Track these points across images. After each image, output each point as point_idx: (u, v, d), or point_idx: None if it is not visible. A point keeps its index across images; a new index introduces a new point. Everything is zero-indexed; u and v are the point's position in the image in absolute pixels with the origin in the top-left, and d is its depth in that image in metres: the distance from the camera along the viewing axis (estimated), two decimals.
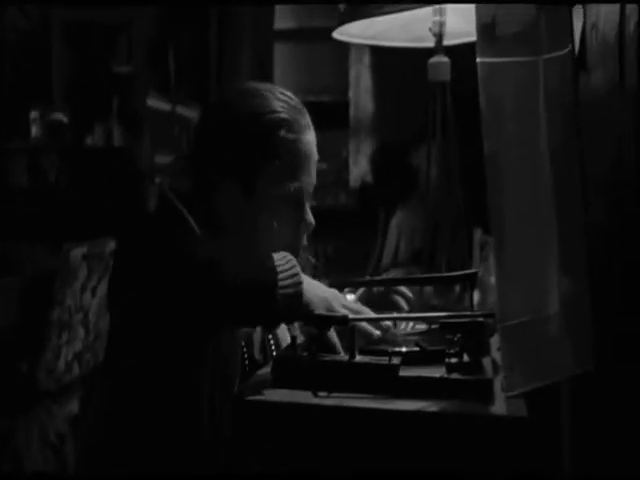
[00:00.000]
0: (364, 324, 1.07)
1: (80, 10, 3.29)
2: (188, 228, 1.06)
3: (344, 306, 1.04)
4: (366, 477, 0.88)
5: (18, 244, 2.59)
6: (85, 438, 1.30)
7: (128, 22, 3.38)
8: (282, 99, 1.12)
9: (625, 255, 1.05)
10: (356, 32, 1.74)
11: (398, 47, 1.83)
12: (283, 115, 1.11)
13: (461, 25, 1.70)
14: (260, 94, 1.13)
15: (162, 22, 3.49)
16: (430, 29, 1.66)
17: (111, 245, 2.07)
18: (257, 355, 1.18)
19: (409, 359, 0.94)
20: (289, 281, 0.96)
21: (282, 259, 0.99)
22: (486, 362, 0.96)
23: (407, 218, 3.13)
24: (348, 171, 3.69)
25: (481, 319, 0.96)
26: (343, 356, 0.96)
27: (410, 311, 1.24)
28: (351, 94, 3.67)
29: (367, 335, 1.06)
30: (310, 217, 1.16)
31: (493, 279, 0.99)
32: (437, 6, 1.62)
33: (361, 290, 1.27)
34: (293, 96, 1.16)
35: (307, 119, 1.15)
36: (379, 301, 1.26)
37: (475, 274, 1.17)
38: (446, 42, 1.68)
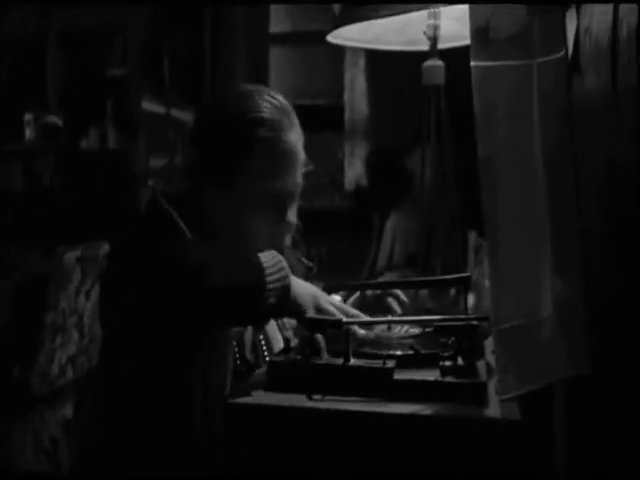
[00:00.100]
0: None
1: (75, 13, 3.29)
2: (178, 232, 1.07)
3: (331, 304, 1.04)
4: None
5: (12, 247, 2.58)
6: (80, 441, 1.30)
7: (122, 25, 3.38)
8: (266, 99, 1.15)
9: (619, 258, 1.05)
10: (351, 36, 1.74)
11: (393, 51, 1.84)
12: (265, 115, 1.13)
13: (456, 29, 1.70)
14: (245, 95, 1.16)
15: (156, 25, 3.49)
16: (424, 33, 1.67)
17: (105, 248, 2.07)
18: (248, 355, 1.18)
19: (403, 362, 0.95)
20: (276, 276, 0.97)
21: (268, 256, 1.00)
22: (480, 365, 0.96)
23: (402, 221, 3.13)
24: (343, 174, 3.70)
25: (475, 322, 0.96)
26: (337, 359, 0.96)
27: (404, 314, 1.24)
28: (346, 97, 3.68)
29: (353, 334, 1.06)
30: (292, 217, 1.17)
31: (488, 282, 0.99)
32: (431, 10, 1.62)
33: (356, 293, 1.27)
34: (281, 98, 1.18)
35: (292, 120, 1.17)
36: (374, 304, 1.26)
37: (469, 277, 1.17)
38: (440, 46, 1.69)
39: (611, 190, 1.09)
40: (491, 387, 0.91)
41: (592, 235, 1.09)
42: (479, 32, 0.89)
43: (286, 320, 1.25)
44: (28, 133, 3.29)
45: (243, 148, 1.12)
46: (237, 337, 1.15)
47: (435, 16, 1.65)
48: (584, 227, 0.93)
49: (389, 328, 1.12)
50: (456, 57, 1.62)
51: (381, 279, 2.44)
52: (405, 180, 3.13)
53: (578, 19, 1.21)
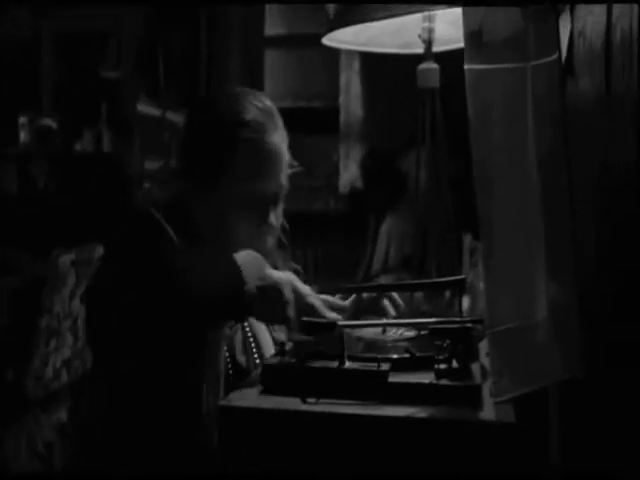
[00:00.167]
0: (297, 286, 1.06)
1: (69, 15, 3.29)
2: (165, 237, 1.07)
3: (277, 274, 1.05)
4: None
5: (6, 250, 2.57)
6: (75, 443, 1.30)
7: (117, 27, 3.38)
8: (250, 102, 1.16)
9: (613, 261, 1.06)
10: (346, 38, 1.74)
11: (388, 53, 1.84)
12: (248, 116, 1.14)
13: (450, 32, 1.70)
14: (230, 97, 1.19)
15: (151, 27, 3.48)
16: (419, 36, 1.67)
17: (99, 251, 2.07)
18: (239, 357, 1.19)
19: (398, 365, 0.94)
20: (255, 274, 1.00)
21: (245, 255, 1.02)
22: (475, 368, 0.96)
23: (397, 223, 3.14)
24: (338, 176, 3.70)
25: (470, 325, 0.96)
26: (332, 362, 0.96)
27: (399, 317, 1.24)
28: (341, 100, 3.68)
29: (300, 297, 1.06)
30: (274, 220, 1.17)
31: (483, 285, 0.99)
32: (426, 13, 1.62)
33: (353, 296, 1.27)
34: (265, 100, 1.19)
35: (276, 122, 1.18)
36: (370, 307, 1.26)
37: (464, 280, 1.17)
38: (435, 48, 1.69)
39: (605, 193, 1.10)
40: (486, 390, 0.91)
41: (586, 238, 1.10)
42: (473, 35, 0.90)
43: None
44: (22, 136, 3.29)
45: (226, 149, 1.13)
46: (228, 340, 1.15)
47: (430, 19, 1.65)
48: (578, 230, 0.93)
49: (384, 331, 1.12)
50: (451, 60, 1.62)
51: (376, 282, 2.44)
52: (400, 183, 3.13)
53: (572, 22, 1.22)
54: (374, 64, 3.49)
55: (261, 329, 1.24)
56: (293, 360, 0.97)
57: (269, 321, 1.17)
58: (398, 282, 1.81)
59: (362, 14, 1.50)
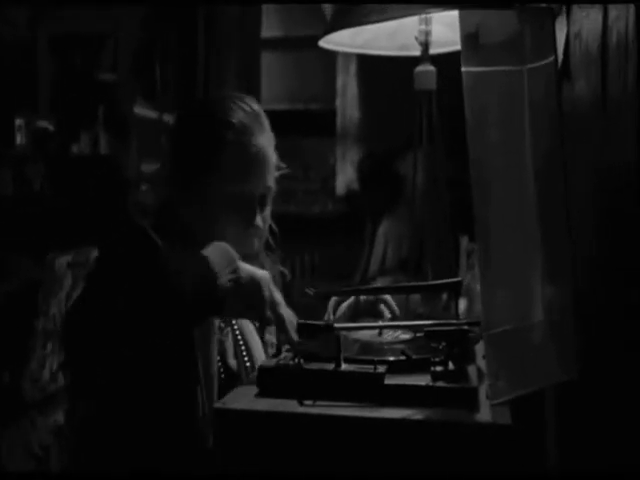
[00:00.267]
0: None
1: (66, 17, 3.28)
2: (149, 248, 1.08)
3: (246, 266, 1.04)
4: None
5: (2, 252, 2.57)
6: (72, 446, 1.30)
7: (114, 30, 3.38)
8: (238, 104, 1.18)
9: (610, 262, 1.06)
10: (342, 41, 1.75)
11: (384, 56, 1.84)
12: (235, 119, 1.16)
13: (447, 35, 1.71)
14: (217, 101, 1.21)
15: (148, 30, 3.48)
16: (416, 38, 1.67)
17: (95, 253, 2.06)
18: (231, 360, 1.19)
19: (395, 367, 0.94)
20: (227, 268, 0.99)
21: (215, 250, 1.01)
22: (471, 370, 0.96)
23: (394, 226, 3.14)
24: (335, 179, 3.70)
25: (466, 327, 0.96)
26: (328, 365, 0.96)
27: (395, 319, 1.24)
28: (338, 102, 3.68)
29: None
30: (260, 222, 1.17)
31: (479, 286, 0.99)
32: (423, 15, 1.63)
33: (351, 299, 1.27)
34: (253, 103, 1.21)
35: (263, 125, 1.20)
36: (366, 309, 1.26)
37: (460, 282, 1.17)
38: (432, 51, 1.69)
39: (601, 195, 1.10)
40: (482, 392, 0.91)
41: (582, 239, 1.10)
42: (469, 38, 0.90)
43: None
44: (19, 138, 3.28)
45: (214, 151, 1.15)
46: (219, 344, 1.16)
47: (427, 22, 1.65)
48: (574, 231, 0.93)
49: (380, 333, 1.12)
50: (448, 62, 1.63)
51: (373, 284, 2.44)
52: (397, 185, 3.13)
53: (568, 25, 1.22)
54: (371, 66, 3.50)
55: (251, 332, 1.24)
56: (289, 362, 0.97)
57: (247, 317, 1.16)
58: (395, 284, 1.82)
59: (359, 16, 1.50)
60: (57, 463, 2.11)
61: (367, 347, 1.06)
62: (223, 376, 1.15)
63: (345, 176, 3.67)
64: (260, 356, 1.23)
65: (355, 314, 1.26)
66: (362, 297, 1.27)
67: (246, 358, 1.21)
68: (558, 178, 0.94)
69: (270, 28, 3.78)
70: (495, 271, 0.90)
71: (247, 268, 1.03)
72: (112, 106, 3.31)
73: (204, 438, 1.04)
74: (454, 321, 1.02)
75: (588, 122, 1.15)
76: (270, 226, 1.25)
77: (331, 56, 3.51)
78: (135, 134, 3.31)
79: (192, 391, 1.04)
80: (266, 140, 1.19)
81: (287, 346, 1.04)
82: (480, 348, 1.02)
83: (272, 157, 1.20)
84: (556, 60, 0.97)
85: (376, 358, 0.96)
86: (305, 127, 3.61)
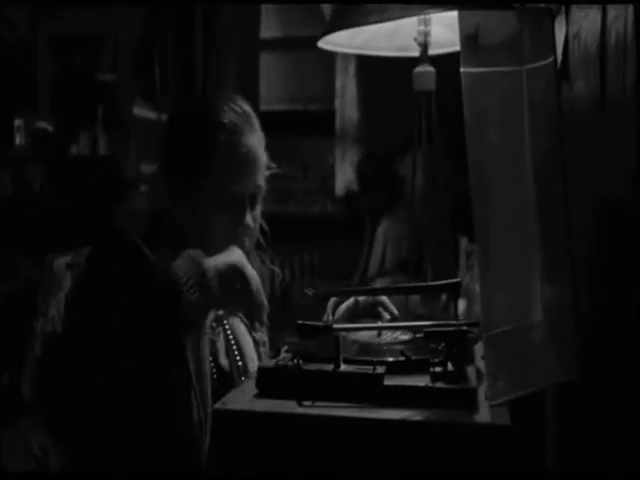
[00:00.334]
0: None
1: (66, 18, 3.28)
2: (135, 262, 1.10)
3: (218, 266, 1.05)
4: None
5: (1, 253, 2.56)
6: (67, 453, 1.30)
7: (113, 30, 3.38)
8: (229, 105, 1.19)
9: (610, 262, 1.06)
10: (341, 41, 1.75)
11: (383, 56, 1.84)
12: (225, 119, 1.16)
13: (446, 35, 1.71)
14: (208, 101, 1.23)
15: (148, 30, 3.49)
16: (415, 39, 1.67)
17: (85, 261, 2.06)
18: (223, 360, 1.20)
19: (394, 368, 0.94)
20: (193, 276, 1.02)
21: (184, 259, 1.04)
22: (470, 371, 0.96)
23: (393, 227, 3.14)
24: (334, 179, 3.70)
25: (465, 328, 0.96)
26: (328, 365, 0.96)
27: (394, 320, 1.24)
28: (337, 103, 3.68)
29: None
30: (250, 221, 1.18)
31: (479, 287, 0.99)
32: (422, 16, 1.63)
33: (350, 300, 1.27)
34: (244, 104, 1.22)
35: (253, 125, 1.21)
36: (366, 310, 1.26)
37: (459, 283, 1.17)
38: (431, 52, 1.69)
39: (600, 195, 1.10)
40: (481, 393, 0.91)
41: (581, 240, 1.10)
42: (469, 38, 0.90)
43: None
44: (18, 138, 3.28)
45: (204, 151, 1.16)
46: (210, 343, 1.16)
47: (426, 22, 1.65)
48: (573, 232, 0.93)
49: (379, 334, 1.12)
50: (447, 63, 1.63)
51: (372, 285, 2.44)
52: (396, 185, 3.14)
53: (567, 25, 1.22)
54: (370, 67, 3.50)
55: (242, 332, 1.25)
56: (288, 363, 0.97)
57: (232, 305, 1.17)
58: (394, 285, 1.82)
59: (358, 17, 1.50)
60: (57, 463, 2.11)
61: (366, 348, 1.06)
62: (216, 376, 1.16)
63: (344, 176, 3.67)
64: (252, 355, 1.24)
65: (354, 315, 1.26)
66: (361, 298, 1.27)
67: (238, 357, 1.22)
68: (557, 178, 0.94)
69: (269, 28, 3.79)
70: (494, 272, 0.90)
71: (215, 263, 1.04)
72: (111, 107, 3.31)
73: (200, 441, 1.05)
74: (453, 322, 1.02)
75: (587, 122, 1.15)
76: (261, 225, 1.25)
77: (330, 57, 3.51)
78: (134, 135, 3.31)
79: (186, 395, 1.05)
80: (256, 140, 1.20)
81: (286, 347, 1.04)
82: (479, 349, 1.02)
83: (262, 157, 1.21)
84: (555, 60, 0.97)
85: (375, 359, 0.96)
86: (304, 127, 3.61)
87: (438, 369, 0.92)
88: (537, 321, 0.94)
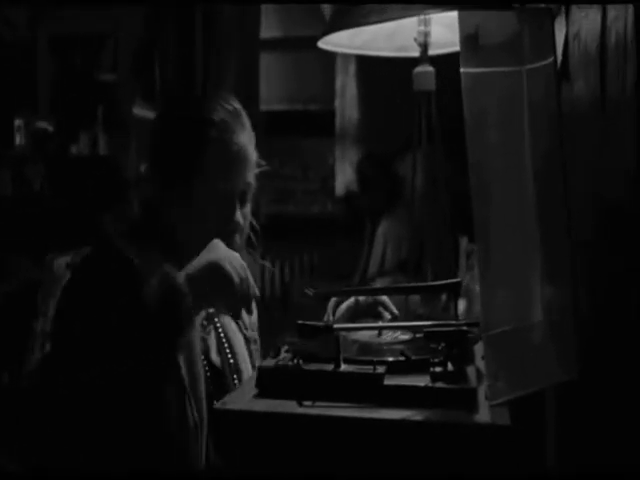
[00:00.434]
0: None
1: (66, 18, 3.29)
2: (120, 270, 1.11)
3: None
4: None
5: (1, 253, 2.56)
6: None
7: (113, 30, 3.38)
8: (220, 103, 1.19)
9: (610, 261, 1.06)
10: (341, 42, 1.75)
11: (383, 57, 1.84)
12: (215, 117, 1.16)
13: (446, 36, 1.71)
14: (199, 100, 1.24)
15: (148, 30, 3.49)
16: (415, 39, 1.67)
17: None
18: (214, 357, 1.20)
19: (394, 368, 0.94)
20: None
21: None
22: (470, 371, 0.96)
23: (393, 226, 3.14)
24: (334, 179, 3.70)
25: (465, 328, 0.96)
26: (328, 365, 0.96)
27: (394, 320, 1.24)
28: (337, 103, 3.68)
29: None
30: (240, 218, 1.18)
31: (478, 287, 0.99)
32: (422, 16, 1.63)
33: (350, 300, 1.27)
34: (234, 102, 1.22)
35: (244, 123, 1.21)
36: (366, 310, 1.26)
37: (459, 283, 1.17)
38: (431, 52, 1.69)
39: (600, 195, 1.10)
40: (481, 393, 0.91)
41: (582, 240, 1.10)
42: (469, 39, 0.90)
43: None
44: (18, 138, 3.28)
45: (195, 149, 1.16)
46: (201, 341, 1.16)
47: (426, 23, 1.65)
48: (574, 232, 0.94)
49: (380, 334, 1.12)
50: (447, 63, 1.63)
51: (373, 285, 2.44)
52: (396, 185, 3.14)
53: (567, 25, 1.22)
54: (370, 67, 3.50)
55: (233, 329, 1.26)
56: (289, 363, 0.97)
57: (219, 301, 1.17)
58: (394, 285, 1.82)
59: (358, 17, 1.50)
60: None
61: (366, 348, 1.06)
62: (209, 374, 1.16)
63: (344, 176, 3.67)
64: (243, 353, 1.24)
65: (354, 315, 1.26)
66: (361, 298, 1.27)
67: (229, 355, 1.22)
68: (557, 178, 0.94)
69: (269, 28, 3.79)
70: (494, 272, 0.90)
71: (188, 270, 1.04)
72: (111, 107, 3.32)
73: (196, 443, 1.05)
74: (453, 322, 1.02)
75: (587, 122, 1.15)
76: (251, 223, 1.25)
77: (330, 57, 3.51)
78: (134, 135, 3.31)
79: (179, 399, 1.05)
80: (247, 138, 1.20)
81: (286, 346, 1.04)
82: (479, 349, 1.02)
83: (253, 155, 1.21)
84: (555, 61, 0.97)
85: (375, 359, 0.96)
86: (304, 127, 3.61)
87: (438, 369, 0.92)
88: (537, 321, 0.94)
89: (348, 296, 1.28)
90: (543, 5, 1.09)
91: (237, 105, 1.22)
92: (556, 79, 0.98)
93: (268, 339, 1.31)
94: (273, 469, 0.89)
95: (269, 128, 3.46)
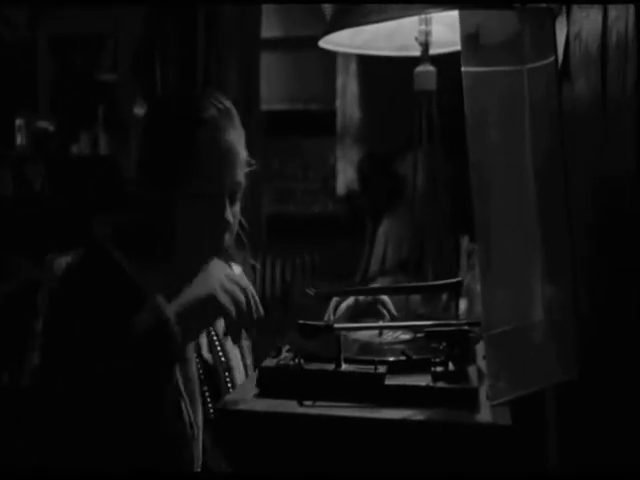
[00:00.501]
0: None
1: (66, 18, 3.29)
2: (111, 277, 1.11)
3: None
4: None
5: (2, 253, 2.56)
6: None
7: (114, 30, 3.38)
8: (210, 101, 1.18)
9: (611, 262, 1.06)
10: (342, 41, 1.75)
11: (384, 56, 1.84)
12: (205, 115, 1.15)
13: (447, 35, 1.71)
14: (189, 97, 1.22)
15: (148, 30, 3.49)
16: (416, 38, 1.67)
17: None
18: (206, 354, 1.21)
19: (395, 368, 0.94)
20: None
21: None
22: (471, 370, 0.96)
23: (394, 226, 3.14)
24: (335, 179, 3.70)
25: (466, 328, 0.96)
26: (329, 365, 0.96)
27: (394, 320, 1.24)
28: (338, 103, 3.68)
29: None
30: (230, 217, 1.18)
31: (479, 287, 0.99)
32: (423, 16, 1.63)
33: (350, 299, 1.27)
34: (225, 100, 1.21)
35: (234, 121, 1.20)
36: (367, 309, 1.26)
37: (460, 282, 1.17)
38: (432, 51, 1.69)
39: (601, 195, 1.10)
40: (482, 392, 0.91)
41: (582, 239, 1.10)
42: (470, 38, 0.90)
43: None
44: (19, 138, 3.28)
45: (185, 147, 1.15)
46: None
47: (427, 22, 1.66)
48: (574, 232, 0.93)
49: (380, 333, 1.12)
50: (448, 62, 1.63)
51: (373, 284, 2.44)
52: (397, 185, 3.14)
53: (568, 25, 1.22)
54: (371, 67, 3.50)
55: (224, 327, 1.25)
56: (289, 363, 0.97)
57: (207, 326, 1.18)
58: (395, 285, 1.82)
59: (358, 17, 1.50)
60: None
61: (367, 347, 1.06)
62: (201, 371, 1.16)
63: (345, 176, 3.66)
64: (234, 352, 1.24)
65: (355, 314, 1.26)
66: (361, 297, 1.27)
67: (221, 353, 1.22)
68: (558, 178, 0.94)
69: (270, 28, 3.78)
70: (495, 271, 0.90)
71: (177, 307, 1.03)
72: (112, 106, 3.32)
73: (192, 444, 1.05)
74: (454, 321, 1.02)
75: (588, 122, 1.14)
76: (240, 221, 1.25)
77: (331, 56, 3.51)
78: (134, 135, 3.31)
79: (174, 403, 1.05)
80: (237, 136, 1.19)
81: (287, 346, 1.04)
82: (480, 348, 1.02)
83: (242, 153, 1.20)
84: (556, 60, 0.97)
85: (376, 358, 0.96)
86: (305, 127, 3.61)
87: (439, 369, 0.92)
88: (538, 321, 0.94)
89: (349, 296, 1.28)
90: (544, 5, 1.09)
91: (228, 103, 1.20)
92: (557, 79, 0.98)
93: (268, 339, 1.31)
94: (274, 469, 0.89)
95: (270, 128, 3.47)
